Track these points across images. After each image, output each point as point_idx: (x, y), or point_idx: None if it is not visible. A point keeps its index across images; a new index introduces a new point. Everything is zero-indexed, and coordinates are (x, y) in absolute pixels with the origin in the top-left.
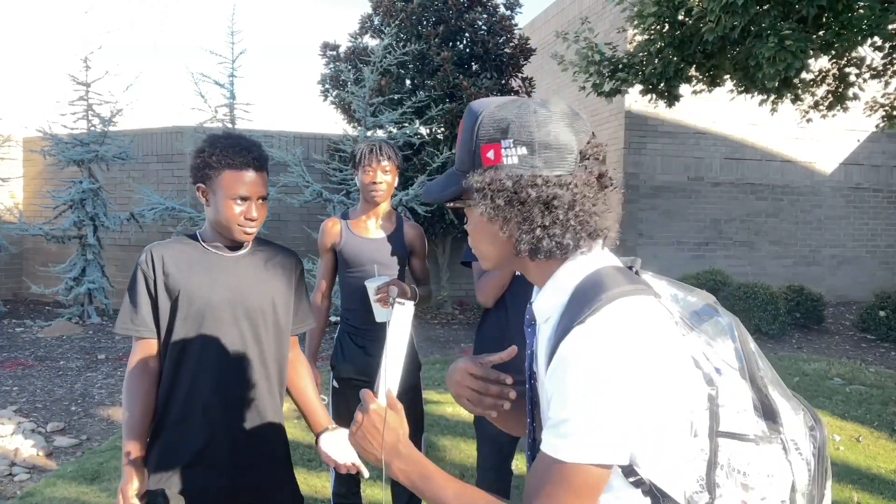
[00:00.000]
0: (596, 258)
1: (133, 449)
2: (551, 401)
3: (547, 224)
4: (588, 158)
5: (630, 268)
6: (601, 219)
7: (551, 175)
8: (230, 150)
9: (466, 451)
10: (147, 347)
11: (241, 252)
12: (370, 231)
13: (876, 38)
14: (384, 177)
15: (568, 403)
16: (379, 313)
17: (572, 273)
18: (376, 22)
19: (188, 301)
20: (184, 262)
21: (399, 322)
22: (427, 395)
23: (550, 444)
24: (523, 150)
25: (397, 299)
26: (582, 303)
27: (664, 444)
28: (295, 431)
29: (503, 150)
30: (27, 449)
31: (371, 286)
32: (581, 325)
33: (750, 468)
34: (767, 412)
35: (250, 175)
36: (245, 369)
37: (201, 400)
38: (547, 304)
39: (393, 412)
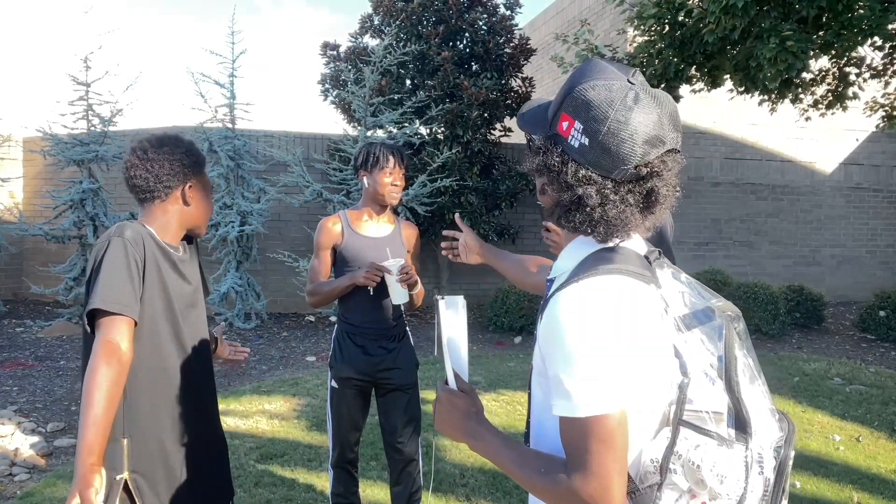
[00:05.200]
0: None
1: (101, 447)
2: (545, 359)
3: (571, 209)
4: (645, 177)
5: (646, 257)
6: (625, 227)
7: (595, 175)
8: (197, 152)
9: (466, 450)
10: (130, 331)
11: (183, 252)
12: (372, 230)
13: (876, 38)
14: (401, 179)
15: (557, 361)
16: (397, 294)
17: (589, 243)
18: (376, 22)
19: (169, 300)
20: (164, 259)
21: (443, 316)
22: (425, 394)
23: (559, 407)
24: (585, 141)
25: (436, 297)
26: (582, 271)
27: (633, 413)
28: (295, 431)
29: (573, 129)
30: (27, 449)
31: (394, 266)
32: (566, 289)
33: (704, 463)
34: (739, 420)
35: None
36: (205, 362)
37: (177, 397)
38: (561, 265)
39: (455, 395)
